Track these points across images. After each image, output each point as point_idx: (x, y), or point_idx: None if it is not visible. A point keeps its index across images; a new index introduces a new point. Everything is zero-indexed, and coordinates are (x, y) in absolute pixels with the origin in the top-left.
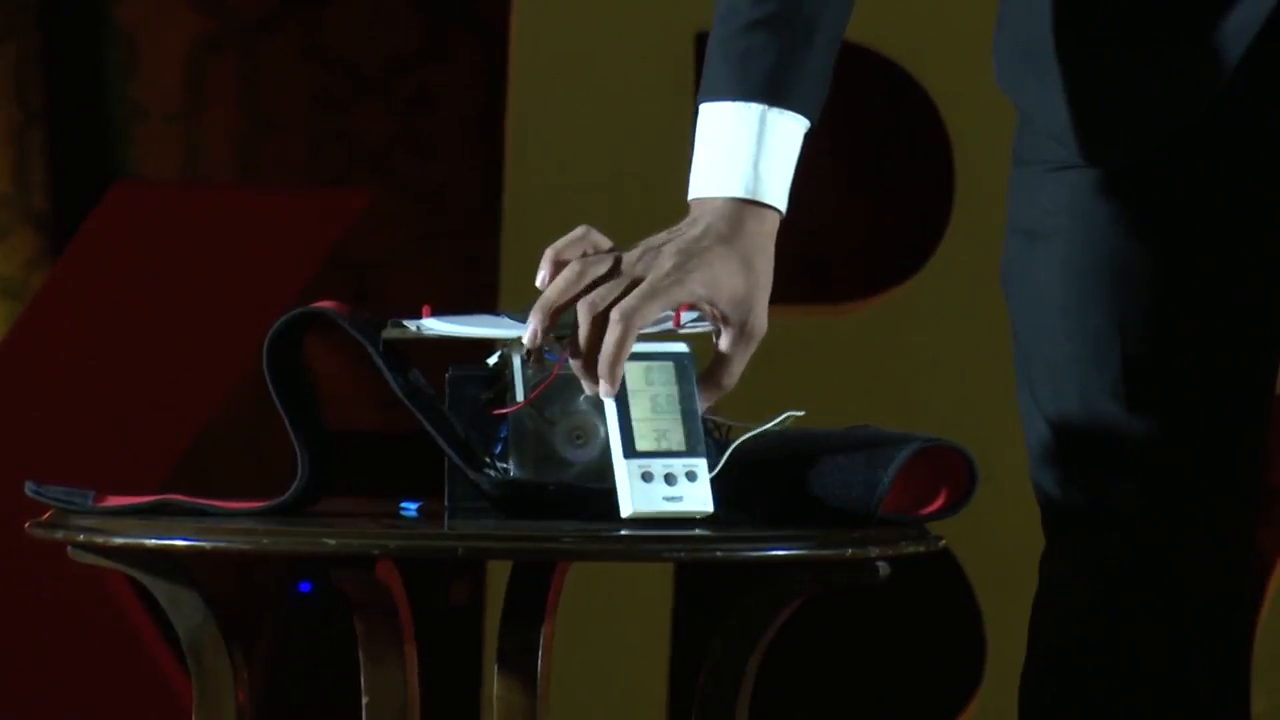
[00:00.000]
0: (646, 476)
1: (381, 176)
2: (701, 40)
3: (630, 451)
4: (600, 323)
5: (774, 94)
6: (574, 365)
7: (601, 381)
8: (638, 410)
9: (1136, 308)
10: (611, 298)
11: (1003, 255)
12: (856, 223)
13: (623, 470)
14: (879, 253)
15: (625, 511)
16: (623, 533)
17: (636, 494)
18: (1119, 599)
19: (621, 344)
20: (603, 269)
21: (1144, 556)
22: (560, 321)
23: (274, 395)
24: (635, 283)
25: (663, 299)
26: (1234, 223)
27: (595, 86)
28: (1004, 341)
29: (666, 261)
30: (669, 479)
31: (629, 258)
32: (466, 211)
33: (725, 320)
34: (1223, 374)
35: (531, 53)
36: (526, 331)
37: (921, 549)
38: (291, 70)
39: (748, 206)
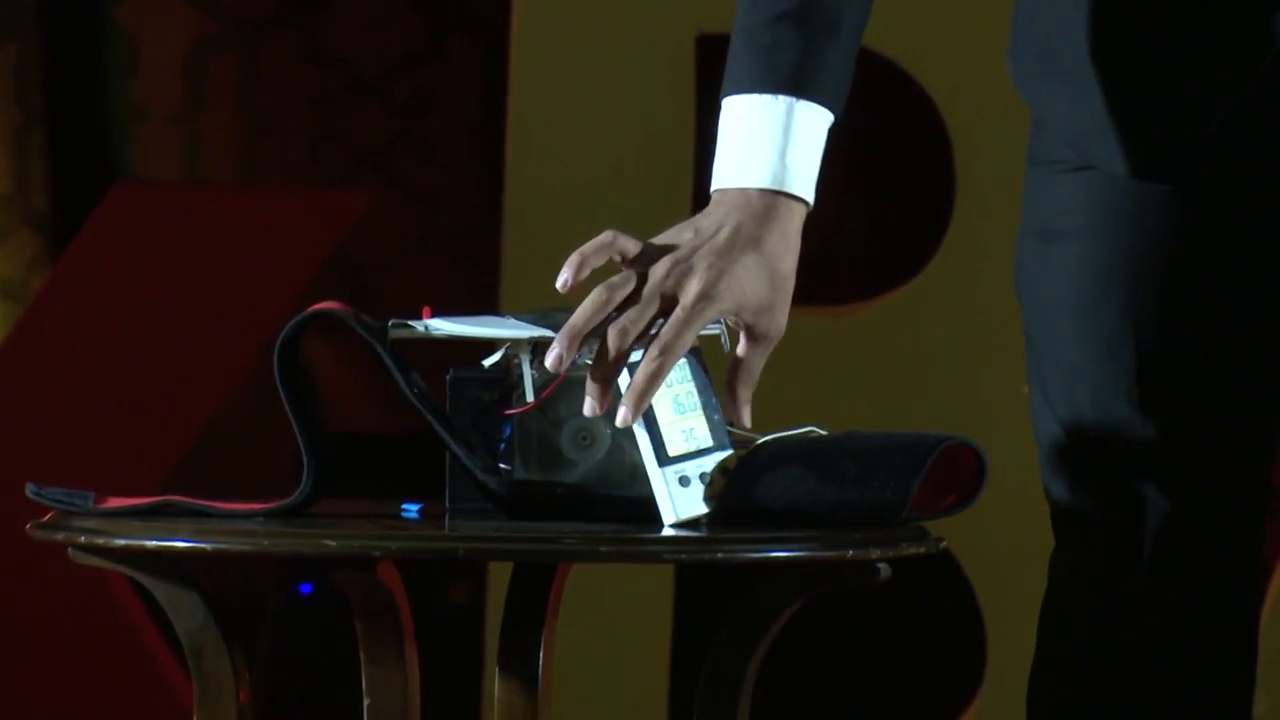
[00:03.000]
0: (684, 481)
1: (381, 177)
2: (702, 41)
3: (664, 459)
4: (626, 349)
5: (800, 87)
6: (589, 386)
7: (624, 409)
8: (663, 414)
9: (1150, 309)
10: (643, 323)
11: (1016, 255)
12: (857, 224)
13: (659, 479)
14: (880, 254)
15: (669, 519)
16: (624, 534)
17: (678, 501)
18: (1128, 600)
19: (657, 378)
20: (630, 290)
21: (1154, 558)
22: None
23: (284, 398)
24: (665, 302)
25: (696, 324)
26: (1248, 225)
27: (595, 87)
28: (1005, 342)
29: (695, 282)
30: (704, 478)
31: (655, 275)
32: (466, 212)
33: (749, 329)
34: (1236, 376)
35: (531, 53)
36: (550, 356)
37: (922, 550)
38: (291, 70)
39: (777, 197)
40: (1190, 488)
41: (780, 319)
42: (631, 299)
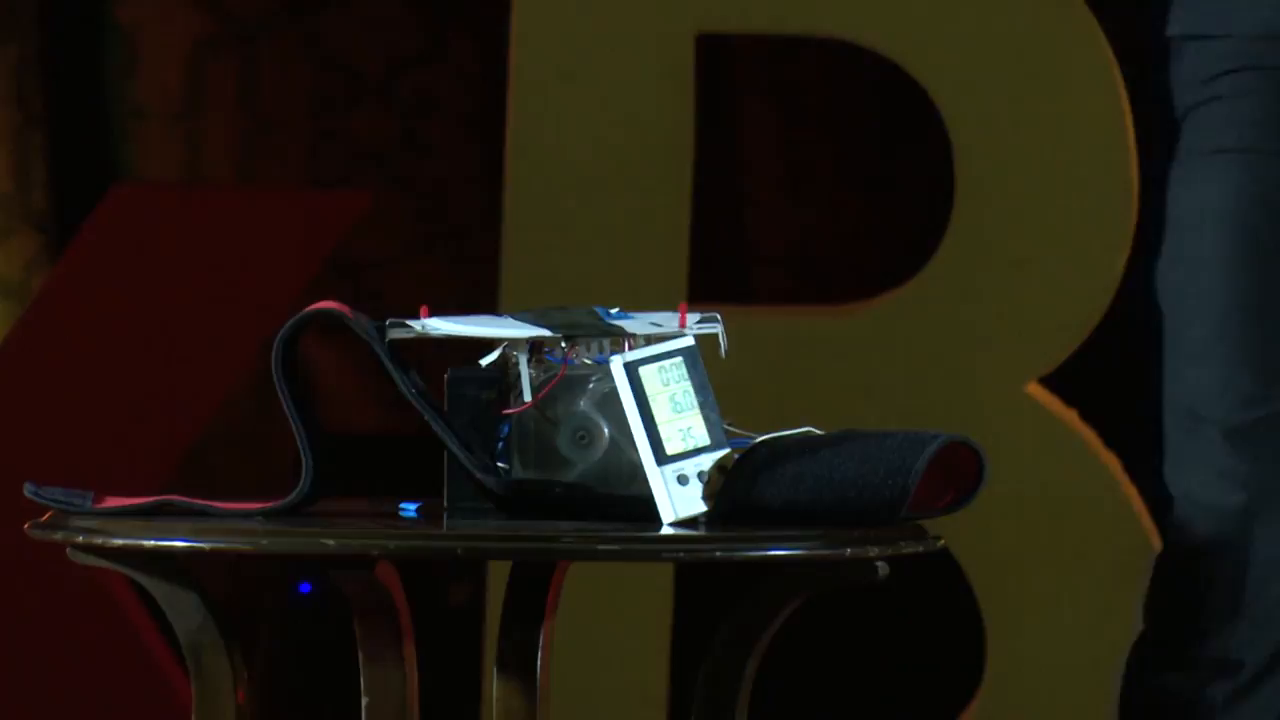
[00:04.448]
0: (682, 479)
1: (381, 177)
2: (702, 41)
3: (662, 458)
4: None
5: None
6: None
7: None
8: (660, 414)
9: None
10: None
11: (1160, 259)
12: (857, 223)
13: (658, 478)
14: (879, 253)
15: (668, 518)
16: (622, 533)
17: (677, 499)
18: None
19: None
20: None
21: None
22: (564, 322)
23: (282, 398)
24: None
25: None
26: None
27: (595, 86)
28: (1005, 342)
29: None
30: (703, 476)
31: None
32: (466, 211)
33: None
34: None
35: (531, 53)
36: None
37: (920, 549)
38: (291, 70)
39: None
40: None
41: None
42: None
